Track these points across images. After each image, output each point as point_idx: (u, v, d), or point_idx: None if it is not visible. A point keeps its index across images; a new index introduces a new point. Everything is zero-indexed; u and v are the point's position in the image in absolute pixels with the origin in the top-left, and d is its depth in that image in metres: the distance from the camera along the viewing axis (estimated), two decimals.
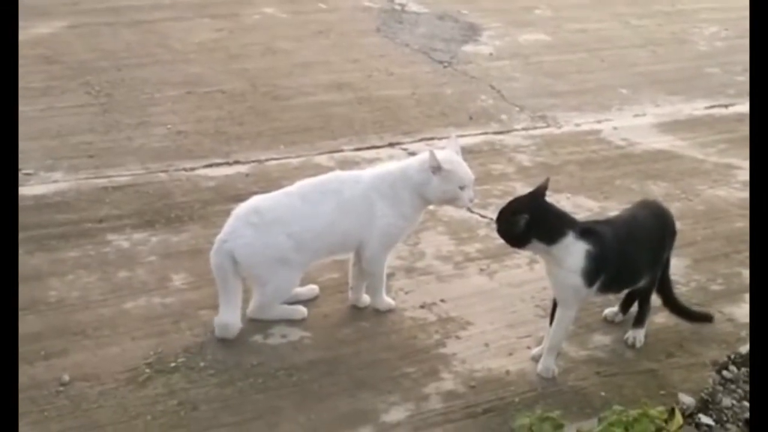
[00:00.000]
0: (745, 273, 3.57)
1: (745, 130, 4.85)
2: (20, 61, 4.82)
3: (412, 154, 4.17)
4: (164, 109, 4.94)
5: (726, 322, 3.29)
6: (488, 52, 6.19)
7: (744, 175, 4.47)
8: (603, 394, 2.89)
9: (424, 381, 2.93)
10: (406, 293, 3.39)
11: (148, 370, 2.89)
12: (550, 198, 2.87)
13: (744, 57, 5.83)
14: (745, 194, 4.23)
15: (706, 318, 3.22)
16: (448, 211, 3.87)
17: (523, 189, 3.87)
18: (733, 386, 2.99)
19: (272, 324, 3.14)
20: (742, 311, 3.34)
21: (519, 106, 5.30)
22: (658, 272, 3.09)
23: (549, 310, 3.01)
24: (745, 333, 3.19)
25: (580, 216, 3.50)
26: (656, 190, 4.31)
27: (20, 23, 5.19)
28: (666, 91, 5.70)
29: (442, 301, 3.35)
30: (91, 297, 3.26)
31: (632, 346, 3.12)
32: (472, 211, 3.91)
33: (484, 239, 3.76)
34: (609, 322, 3.25)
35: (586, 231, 2.81)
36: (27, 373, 2.83)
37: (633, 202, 3.27)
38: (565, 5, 7.47)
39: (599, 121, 5.17)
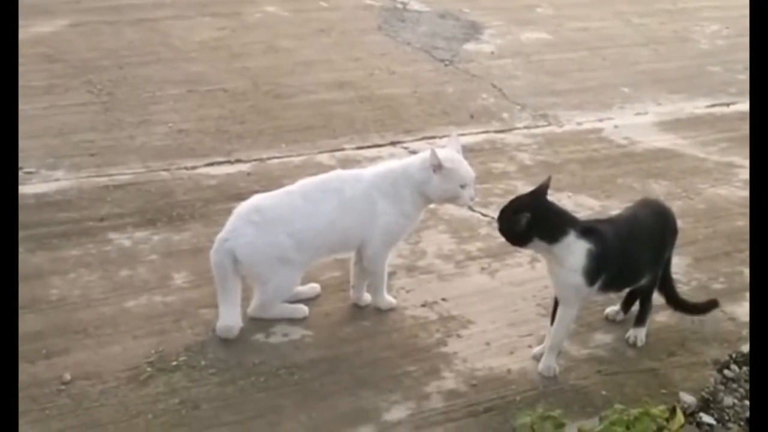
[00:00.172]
0: (747, 272, 3.57)
1: (746, 128, 4.84)
2: (22, 60, 4.83)
3: (414, 152, 4.17)
4: (166, 107, 4.94)
5: (727, 321, 3.29)
6: (490, 51, 6.19)
7: (745, 173, 4.47)
8: (604, 392, 2.89)
9: (425, 380, 2.93)
10: (408, 292, 3.39)
11: (149, 369, 2.89)
12: (552, 197, 2.87)
13: (745, 55, 5.82)
14: (747, 193, 4.22)
15: (712, 305, 3.20)
16: (450, 209, 3.87)
17: (524, 188, 3.87)
18: (734, 385, 2.99)
19: (273, 323, 3.14)
20: (743, 310, 3.34)
21: (520, 104, 5.30)
22: (659, 271, 3.09)
23: (550, 309, 3.01)
24: (747, 332, 3.19)
25: (582, 215, 3.51)
26: (657, 189, 4.30)
27: (22, 22, 5.20)
28: (667, 89, 5.70)
29: (444, 299, 3.35)
30: (92, 295, 3.26)
31: (633, 345, 3.12)
32: (473, 210, 3.91)
33: (485, 238, 3.76)
34: (610, 320, 3.25)
35: (588, 230, 2.81)
36: (28, 372, 2.83)
37: (634, 201, 3.27)
38: (566, 3, 7.46)
39: (601, 120, 5.17)
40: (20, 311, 2.97)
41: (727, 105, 5.50)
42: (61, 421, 2.67)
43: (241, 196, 3.35)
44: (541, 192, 2.82)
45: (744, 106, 5.38)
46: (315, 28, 6.40)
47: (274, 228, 3.04)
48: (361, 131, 4.80)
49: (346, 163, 4.26)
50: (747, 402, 2.91)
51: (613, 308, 3.26)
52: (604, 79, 5.83)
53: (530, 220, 2.74)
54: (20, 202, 3.75)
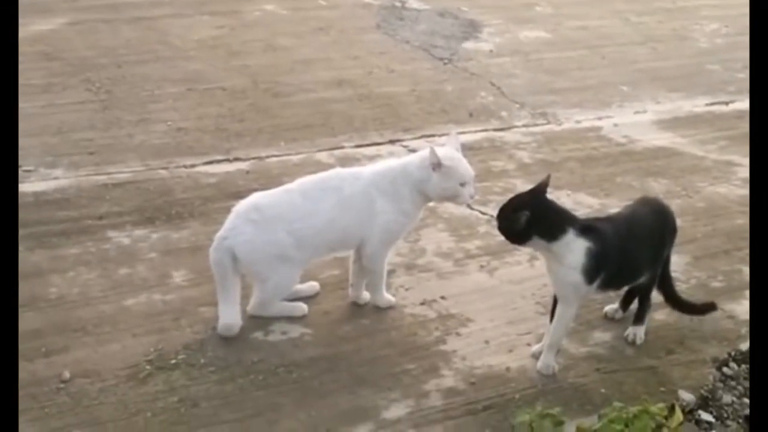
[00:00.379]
0: (746, 270, 3.58)
1: (745, 127, 4.84)
2: (20, 58, 4.82)
3: (413, 151, 4.17)
4: (165, 106, 4.93)
5: (726, 319, 3.29)
6: (488, 49, 6.19)
7: (744, 172, 4.47)
8: (603, 390, 2.89)
9: (424, 378, 2.93)
10: (407, 290, 3.39)
11: (148, 367, 2.89)
12: (551, 195, 2.87)
13: (744, 54, 5.82)
14: (746, 191, 4.23)
15: (709, 307, 3.21)
16: (449, 208, 3.87)
17: (523, 186, 3.86)
18: (733, 383, 2.99)
19: (272, 321, 3.14)
20: (742, 308, 3.34)
21: (519, 103, 5.30)
22: (658, 269, 3.09)
23: (549, 307, 3.01)
24: (746, 330, 3.20)
25: (581, 213, 3.51)
26: (657, 187, 4.31)
27: (20, 20, 5.18)
28: (666, 88, 5.70)
29: (443, 298, 3.35)
30: (91, 294, 3.26)
31: (632, 343, 3.13)
32: (472, 208, 3.92)
33: (484, 236, 3.76)
34: (609, 319, 3.25)
35: (587, 228, 2.81)
36: (27, 370, 2.83)
37: (633, 199, 3.27)
38: (565, 2, 7.46)
39: (600, 118, 5.17)
40: (20, 309, 2.97)
41: (726, 103, 5.50)
42: (60, 419, 2.67)
43: (240, 195, 3.35)
44: (540, 190, 2.82)
45: (743, 104, 5.38)
46: (314, 26, 6.40)
47: (273, 226, 3.04)
48: (360, 129, 4.80)
49: (345, 162, 4.26)
50: (746, 400, 2.91)
51: (612, 306, 3.26)
52: (603, 77, 5.83)
53: (530, 219, 2.74)
54: (19, 200, 3.74)
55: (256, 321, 3.13)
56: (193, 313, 3.17)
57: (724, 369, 3.05)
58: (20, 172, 4.03)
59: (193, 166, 4.27)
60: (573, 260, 2.79)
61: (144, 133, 4.58)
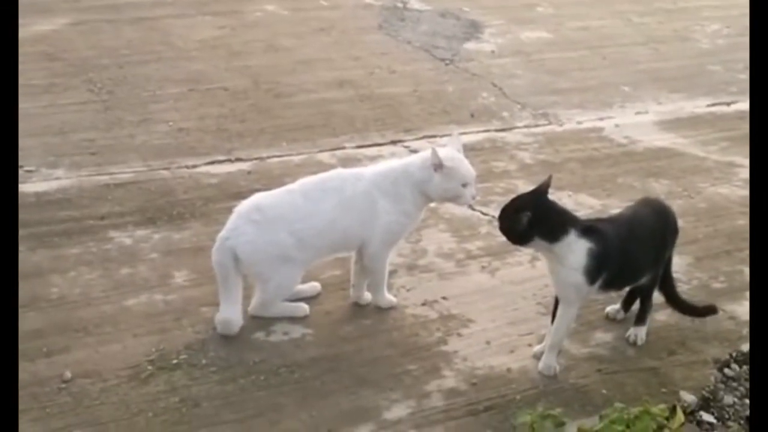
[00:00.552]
0: (747, 271, 3.57)
1: (746, 127, 4.84)
2: (22, 58, 4.82)
3: (414, 151, 4.17)
4: (166, 106, 4.94)
5: (728, 320, 3.29)
6: (490, 50, 6.19)
7: (746, 172, 4.47)
8: (604, 391, 2.89)
9: (425, 378, 2.93)
10: (408, 291, 3.40)
11: (149, 367, 2.89)
12: (552, 196, 2.87)
13: (746, 55, 5.82)
14: (747, 192, 4.22)
15: (710, 310, 3.21)
16: (450, 208, 3.87)
17: (524, 186, 3.87)
18: (734, 384, 2.99)
19: (274, 321, 3.15)
20: (743, 309, 3.34)
21: (521, 103, 5.30)
22: (659, 270, 3.09)
23: (550, 308, 3.01)
24: (747, 331, 3.19)
25: (582, 214, 3.51)
26: (658, 188, 4.31)
27: (22, 20, 5.20)
28: (668, 88, 5.70)
29: (444, 298, 3.35)
30: (92, 294, 3.27)
31: (634, 344, 3.12)
32: (473, 209, 3.92)
33: (485, 237, 3.76)
34: (611, 319, 3.25)
35: (588, 229, 2.81)
36: (28, 370, 2.83)
37: (635, 200, 3.27)
38: (566, 2, 7.46)
39: (601, 119, 5.17)
40: (21, 309, 2.98)
41: (728, 104, 5.50)
42: (61, 419, 2.67)
43: (242, 195, 3.35)
44: (542, 191, 2.82)
45: (744, 105, 5.38)
46: (315, 26, 6.40)
47: (274, 227, 3.04)
48: (361, 130, 4.80)
49: (346, 162, 4.26)
50: (747, 401, 2.91)
51: (613, 307, 3.26)
52: (605, 78, 5.83)
53: (531, 219, 2.74)
54: (21, 200, 3.75)
55: (258, 321, 3.14)
56: (195, 313, 3.18)
57: (726, 370, 3.05)
58: (22, 173, 4.04)
59: (194, 166, 4.27)
60: (574, 261, 2.79)
61: (146, 134, 4.59)
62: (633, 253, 2.93)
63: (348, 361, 2.99)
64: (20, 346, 2.81)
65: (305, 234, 3.04)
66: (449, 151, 3.12)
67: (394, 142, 4.68)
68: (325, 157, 4.45)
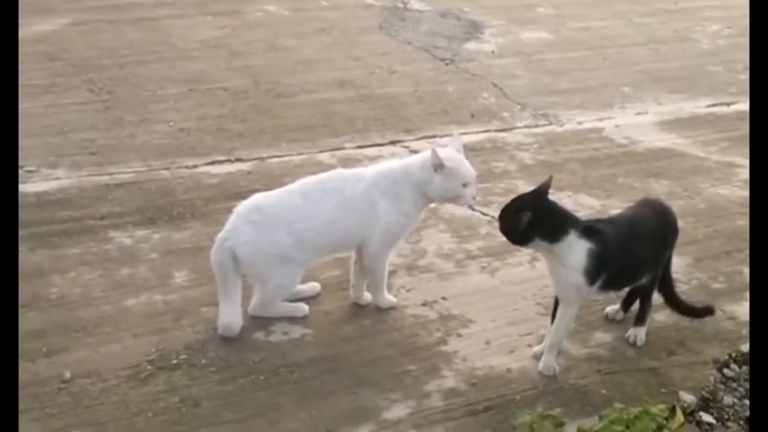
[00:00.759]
0: (747, 271, 3.57)
1: (746, 128, 4.84)
2: (23, 58, 4.83)
3: (414, 151, 4.17)
4: (166, 106, 4.94)
5: (727, 321, 3.29)
6: (490, 50, 6.19)
7: (746, 173, 4.47)
8: (604, 392, 2.89)
9: (425, 378, 2.93)
10: (408, 291, 3.40)
11: (149, 367, 2.90)
12: (552, 196, 2.87)
13: (746, 55, 5.82)
14: (747, 192, 4.22)
15: (708, 311, 3.21)
16: (450, 208, 3.87)
17: (525, 187, 3.87)
18: (734, 384, 2.99)
19: (274, 321, 3.15)
20: (743, 309, 3.34)
21: (521, 103, 5.30)
22: (659, 270, 3.09)
23: (550, 308, 3.01)
24: (746, 331, 3.19)
25: (582, 214, 3.51)
26: (658, 188, 4.31)
27: (22, 20, 5.20)
28: (668, 89, 5.70)
29: (444, 298, 3.35)
30: (92, 294, 3.27)
31: (633, 344, 3.12)
32: (473, 209, 3.92)
33: (485, 237, 3.76)
34: (610, 320, 3.25)
35: (589, 229, 2.81)
36: (28, 370, 2.83)
37: (635, 201, 3.27)
38: (567, 3, 7.46)
39: (601, 119, 5.17)
40: (21, 309, 2.98)
41: (728, 105, 5.50)
42: (61, 419, 2.67)
43: (242, 195, 3.35)
44: (542, 191, 2.82)
45: (745, 105, 5.38)
46: (315, 27, 6.41)
47: (274, 227, 3.04)
48: (361, 130, 4.80)
49: (346, 162, 4.26)
50: (747, 401, 2.91)
51: (613, 307, 3.26)
52: (605, 78, 5.83)
53: (532, 220, 2.74)
54: (21, 200, 3.75)
55: (258, 321, 3.14)
56: (195, 313, 3.18)
57: (725, 370, 3.05)
58: (22, 172, 4.04)
59: (194, 166, 4.28)
60: (575, 261, 2.79)
61: (146, 134, 4.59)
62: (633, 254, 2.93)
63: (347, 361, 2.99)
64: (20, 346, 2.81)
65: (305, 234, 3.05)
66: (449, 151, 3.12)
67: (394, 143, 4.68)
68: (325, 157, 4.45)
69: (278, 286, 3.12)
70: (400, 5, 7.00)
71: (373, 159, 4.30)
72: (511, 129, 4.95)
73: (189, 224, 3.76)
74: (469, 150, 3.74)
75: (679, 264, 3.46)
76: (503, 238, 2.88)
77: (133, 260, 3.49)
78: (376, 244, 3.14)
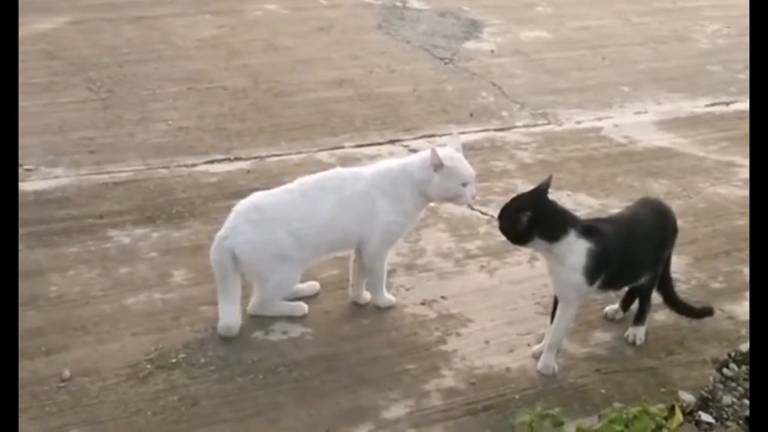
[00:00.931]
0: (746, 271, 3.58)
1: (746, 127, 4.84)
2: (22, 57, 4.83)
3: (413, 151, 4.17)
4: (165, 105, 4.94)
5: (726, 320, 3.29)
6: (489, 49, 6.19)
7: (745, 173, 4.47)
8: (603, 391, 2.89)
9: (424, 378, 2.93)
10: (407, 290, 3.39)
11: (148, 366, 2.89)
12: (551, 195, 2.87)
13: (745, 55, 5.82)
14: (746, 192, 4.22)
15: (707, 312, 3.21)
16: (449, 208, 3.87)
17: (524, 186, 3.87)
18: (733, 384, 2.99)
19: (273, 320, 3.15)
20: (742, 309, 3.34)
21: (520, 103, 5.30)
22: (659, 270, 3.09)
23: (549, 308, 3.01)
24: (746, 331, 3.20)
25: (581, 213, 3.51)
26: (657, 188, 4.31)
27: (22, 19, 5.19)
28: (667, 88, 5.70)
29: (443, 298, 3.35)
30: (91, 292, 3.27)
31: (633, 344, 3.12)
32: (472, 208, 3.92)
33: (484, 236, 3.76)
34: (609, 319, 3.25)
35: (588, 229, 2.81)
36: (28, 369, 2.83)
37: (634, 200, 3.27)
38: (566, 2, 7.46)
39: (600, 119, 5.17)
40: (20, 308, 2.98)
41: (727, 104, 5.50)
42: (60, 417, 2.67)
43: (241, 194, 3.35)
44: (541, 191, 2.82)
45: (744, 105, 5.38)
46: (315, 26, 6.40)
47: (273, 226, 3.04)
48: (360, 129, 4.80)
49: (345, 161, 4.26)
50: (746, 401, 2.91)
51: (612, 307, 3.26)
52: (604, 77, 5.83)
53: (531, 219, 2.74)
54: (20, 199, 3.75)
55: (257, 320, 3.13)
56: (194, 312, 3.17)
57: (725, 370, 3.05)
58: (21, 171, 4.04)
59: (193, 165, 4.27)
60: (574, 261, 2.79)
61: (145, 132, 4.59)
62: (632, 253, 2.93)
63: (347, 360, 2.99)
64: (20, 345, 2.81)
65: (304, 233, 3.04)
66: (449, 150, 3.12)
67: (393, 142, 4.68)
68: (324, 156, 4.45)
69: (277, 285, 3.11)
70: (399, 4, 6.99)
71: (372, 158, 4.30)
72: (510, 128, 4.95)
73: (188, 223, 3.76)
74: (468, 149, 3.75)
75: (678, 263, 3.46)
76: (502, 238, 2.88)
77: (132, 259, 3.49)
78: (376, 243, 3.14)
